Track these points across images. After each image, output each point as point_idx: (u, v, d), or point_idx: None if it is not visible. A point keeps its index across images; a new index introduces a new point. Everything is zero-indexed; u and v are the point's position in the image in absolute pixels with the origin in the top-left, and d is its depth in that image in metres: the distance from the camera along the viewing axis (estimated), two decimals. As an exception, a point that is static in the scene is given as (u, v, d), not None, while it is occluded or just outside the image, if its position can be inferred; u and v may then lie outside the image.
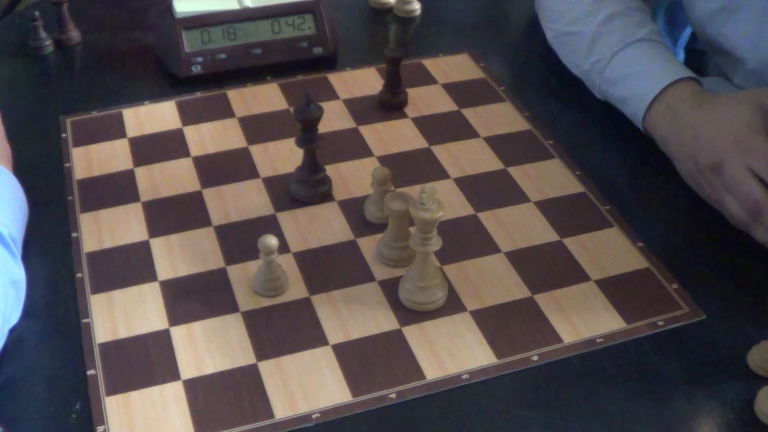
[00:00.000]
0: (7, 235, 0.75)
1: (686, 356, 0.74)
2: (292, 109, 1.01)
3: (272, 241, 0.76)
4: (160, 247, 0.84)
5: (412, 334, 0.76)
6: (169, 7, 1.07)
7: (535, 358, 0.74)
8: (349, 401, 0.70)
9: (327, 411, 0.70)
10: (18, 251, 0.77)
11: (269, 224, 0.86)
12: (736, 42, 0.98)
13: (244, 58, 1.08)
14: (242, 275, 0.81)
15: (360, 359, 0.74)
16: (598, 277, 0.81)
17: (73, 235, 0.85)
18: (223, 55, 1.07)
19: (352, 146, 0.97)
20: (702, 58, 1.29)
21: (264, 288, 0.79)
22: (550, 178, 0.93)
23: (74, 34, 1.14)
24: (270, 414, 0.69)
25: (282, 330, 0.76)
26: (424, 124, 1.01)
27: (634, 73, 0.96)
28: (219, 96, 1.05)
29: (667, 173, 0.91)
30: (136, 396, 0.70)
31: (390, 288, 0.80)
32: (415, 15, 1.22)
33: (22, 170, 0.90)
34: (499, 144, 0.98)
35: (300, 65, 1.09)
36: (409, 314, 0.77)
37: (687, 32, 1.32)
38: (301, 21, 1.09)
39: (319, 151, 0.88)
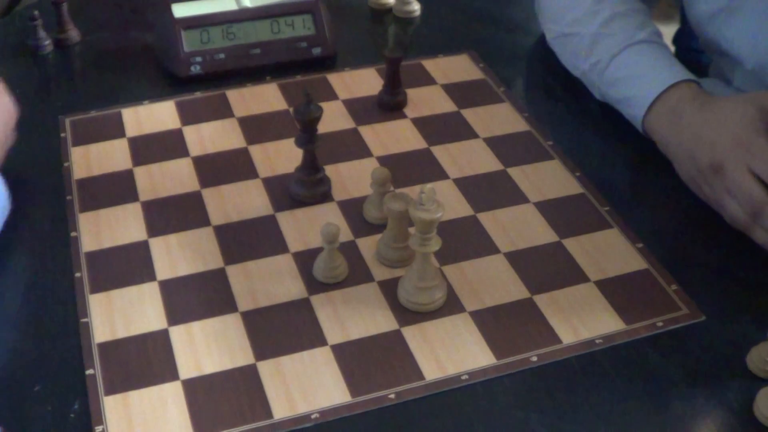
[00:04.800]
0: None
1: (686, 357, 0.74)
2: (291, 110, 1.01)
3: (335, 229, 0.77)
4: (159, 246, 0.84)
5: (412, 334, 0.76)
6: (169, 8, 1.07)
7: (535, 359, 0.74)
8: (349, 402, 0.70)
9: (326, 411, 0.69)
10: None
11: (269, 224, 0.86)
12: (735, 42, 0.98)
13: (243, 59, 1.07)
14: (241, 275, 0.81)
15: (359, 360, 0.73)
16: (598, 278, 0.81)
17: (72, 234, 0.85)
18: (222, 55, 1.07)
19: (351, 146, 0.97)
20: (700, 58, 1.29)
21: (326, 276, 0.79)
22: (550, 179, 0.93)
23: (73, 34, 1.14)
24: (269, 414, 0.69)
25: (281, 330, 0.76)
26: (424, 124, 1.01)
27: (634, 75, 0.96)
28: (218, 96, 1.05)
29: (666, 174, 0.91)
30: (135, 396, 0.70)
31: (389, 288, 0.80)
32: (415, 15, 1.22)
33: (21, 170, 0.90)
34: (498, 145, 0.98)
35: (299, 65, 1.09)
36: (408, 315, 0.77)
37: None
38: (301, 21, 1.09)
39: (319, 151, 0.88)
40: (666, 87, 0.92)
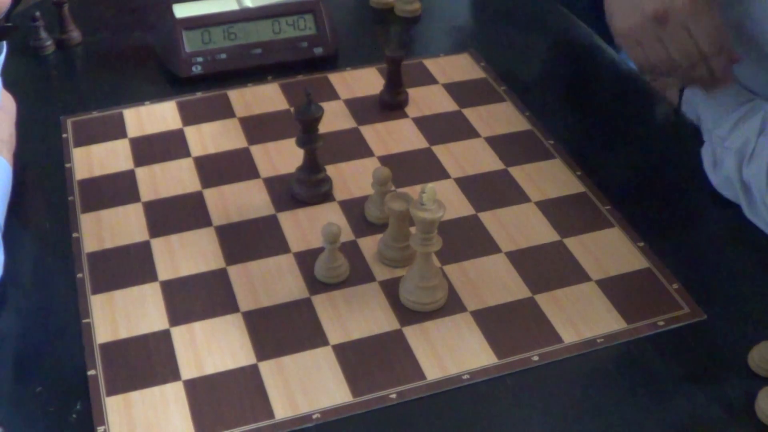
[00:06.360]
0: None
1: (687, 356, 0.74)
2: (292, 109, 1.01)
3: (336, 229, 0.77)
4: (160, 247, 0.84)
5: (413, 334, 0.76)
6: (170, 8, 1.07)
7: (536, 358, 0.74)
8: (350, 401, 0.70)
9: (327, 411, 0.70)
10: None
11: (270, 224, 0.86)
12: (761, 21, 0.96)
13: (244, 58, 1.08)
14: (243, 275, 0.81)
15: (360, 359, 0.73)
16: (599, 277, 0.81)
17: (74, 235, 0.85)
18: (223, 55, 1.07)
19: (352, 146, 0.97)
20: None
21: (327, 275, 0.80)
22: (551, 178, 0.93)
23: (75, 35, 1.14)
24: (270, 414, 0.69)
25: (282, 330, 0.76)
26: (425, 124, 1.01)
27: None
28: (220, 96, 1.05)
29: (668, 173, 0.91)
30: (137, 396, 0.70)
31: (390, 288, 0.80)
32: (416, 15, 1.22)
33: (23, 171, 0.90)
34: (499, 144, 0.98)
35: (300, 65, 1.09)
36: (409, 314, 0.77)
37: None
38: (302, 21, 1.09)
39: (320, 151, 0.88)
40: None
